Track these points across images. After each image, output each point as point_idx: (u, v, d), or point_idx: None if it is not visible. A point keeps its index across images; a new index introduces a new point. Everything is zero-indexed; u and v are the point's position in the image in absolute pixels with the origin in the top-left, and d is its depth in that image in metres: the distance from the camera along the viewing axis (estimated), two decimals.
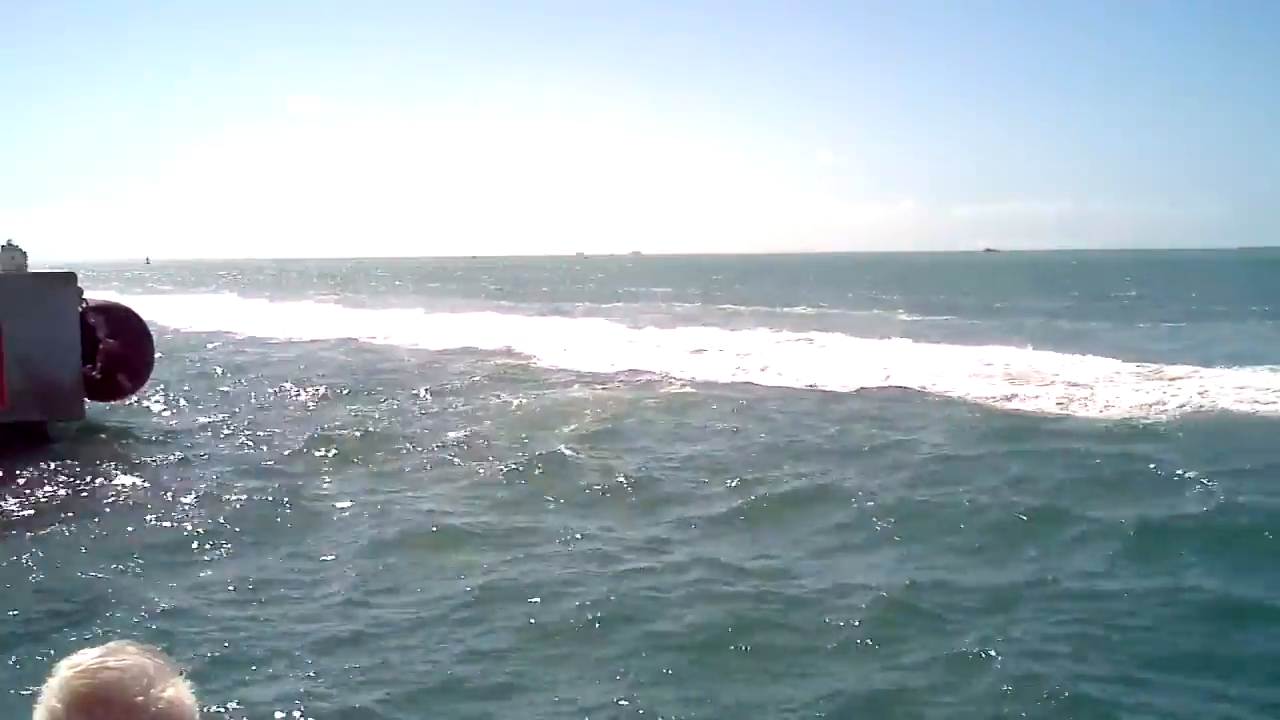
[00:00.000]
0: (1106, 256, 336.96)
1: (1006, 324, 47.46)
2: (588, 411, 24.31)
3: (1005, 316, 54.11)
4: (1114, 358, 30.18)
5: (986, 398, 25.03)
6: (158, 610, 11.36)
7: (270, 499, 16.32)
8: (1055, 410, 23.36)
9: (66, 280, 22.59)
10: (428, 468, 18.79)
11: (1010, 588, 11.83)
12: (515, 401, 26.24)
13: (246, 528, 14.82)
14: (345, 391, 28.56)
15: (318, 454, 19.84)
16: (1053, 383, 26.54)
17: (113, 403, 24.66)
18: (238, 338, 47.87)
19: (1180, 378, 26.36)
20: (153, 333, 25.59)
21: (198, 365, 35.49)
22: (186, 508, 15.96)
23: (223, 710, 8.84)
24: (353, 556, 13.36)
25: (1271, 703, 9.07)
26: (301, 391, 28.68)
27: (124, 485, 17.62)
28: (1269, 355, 29.90)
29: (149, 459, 19.86)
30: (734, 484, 16.78)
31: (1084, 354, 31.20)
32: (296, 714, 8.85)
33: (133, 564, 13.19)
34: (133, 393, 24.89)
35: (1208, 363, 28.92)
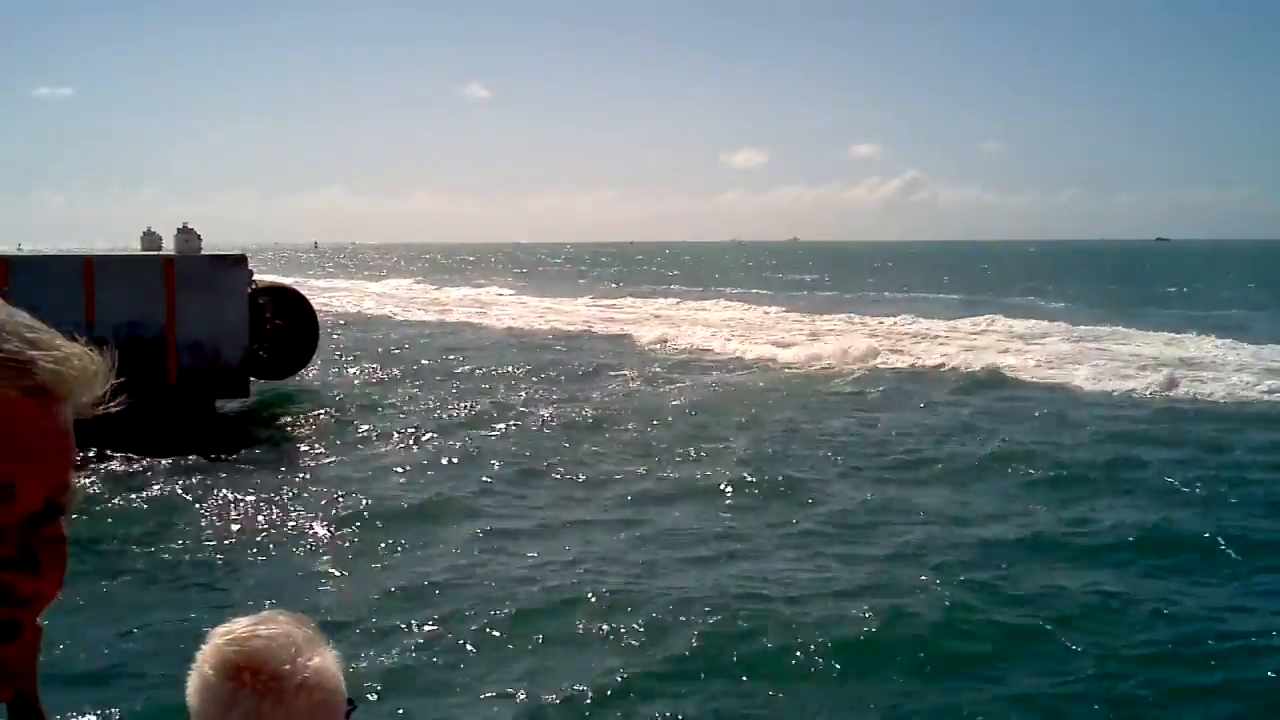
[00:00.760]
0: None
1: None
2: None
3: None
4: None
5: None
6: (296, 580, 11.27)
7: (437, 488, 16.16)
8: None
9: (237, 262, 23.04)
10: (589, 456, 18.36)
11: None
12: (702, 382, 25.67)
13: (405, 509, 14.63)
14: (508, 378, 28.53)
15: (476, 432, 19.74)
16: None
17: (278, 381, 25.14)
18: (400, 319, 48.86)
19: None
20: (318, 314, 25.99)
21: (367, 347, 36.14)
22: (335, 484, 16.01)
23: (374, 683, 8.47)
24: (490, 543, 12.99)
25: None
26: (469, 375, 28.79)
27: (284, 462, 17.78)
28: None
29: (310, 437, 20.05)
30: None
31: None
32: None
33: (284, 537, 13.15)
34: (298, 372, 25.34)
35: None
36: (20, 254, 30.16)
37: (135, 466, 17.33)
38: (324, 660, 1.63)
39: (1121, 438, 19.25)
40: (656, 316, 49.02)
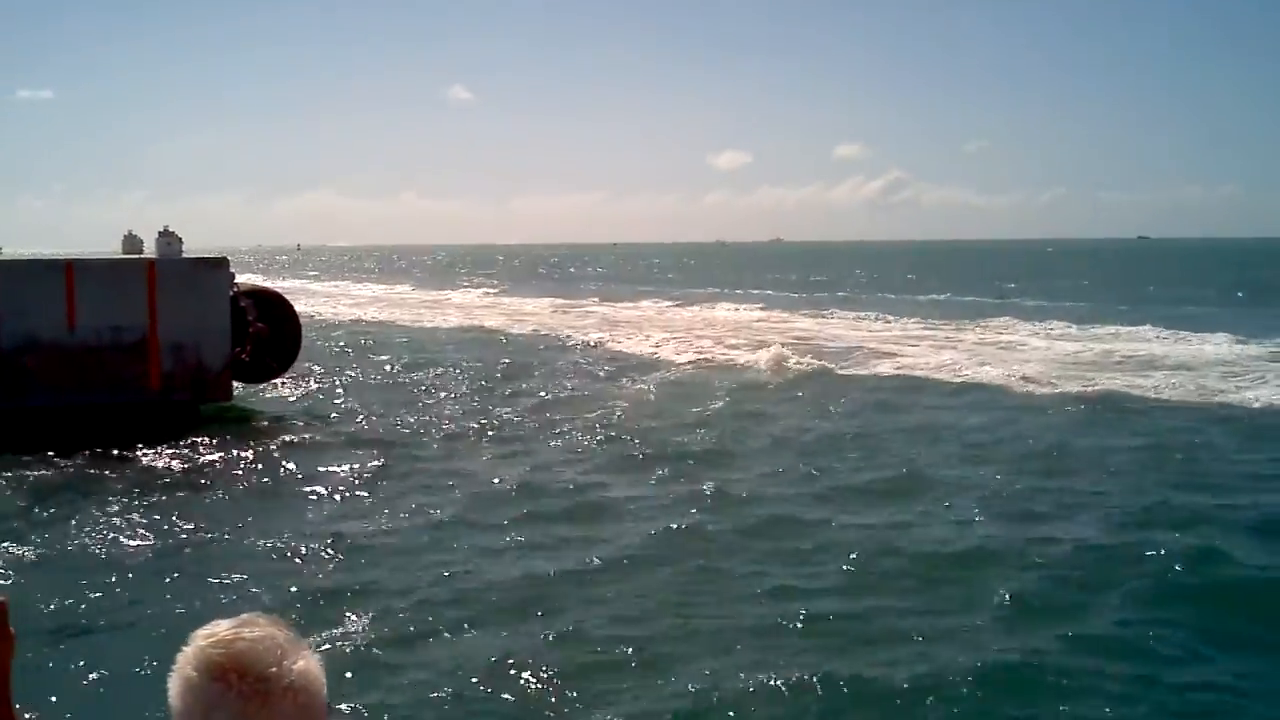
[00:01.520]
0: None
1: None
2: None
3: None
4: None
5: None
6: (274, 584, 11.33)
7: (405, 479, 16.31)
8: None
9: (218, 265, 23.05)
10: (551, 447, 18.49)
11: None
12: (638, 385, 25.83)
13: (379, 506, 14.72)
14: (495, 379, 28.63)
15: (457, 434, 19.85)
16: None
17: (261, 385, 25.16)
18: (387, 323, 48.89)
19: None
20: (300, 317, 26.01)
21: (345, 349, 36.18)
22: (321, 485, 16.09)
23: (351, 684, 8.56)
24: (469, 521, 13.10)
25: None
26: (454, 377, 28.88)
27: (266, 465, 17.83)
28: None
29: (292, 440, 20.10)
30: None
31: None
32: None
33: (265, 541, 13.22)
34: (280, 375, 25.35)
35: None
36: (1, 258, 30.11)
37: (117, 469, 17.35)
38: (308, 663, 1.63)
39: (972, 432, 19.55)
40: (626, 321, 49.46)
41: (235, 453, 18.75)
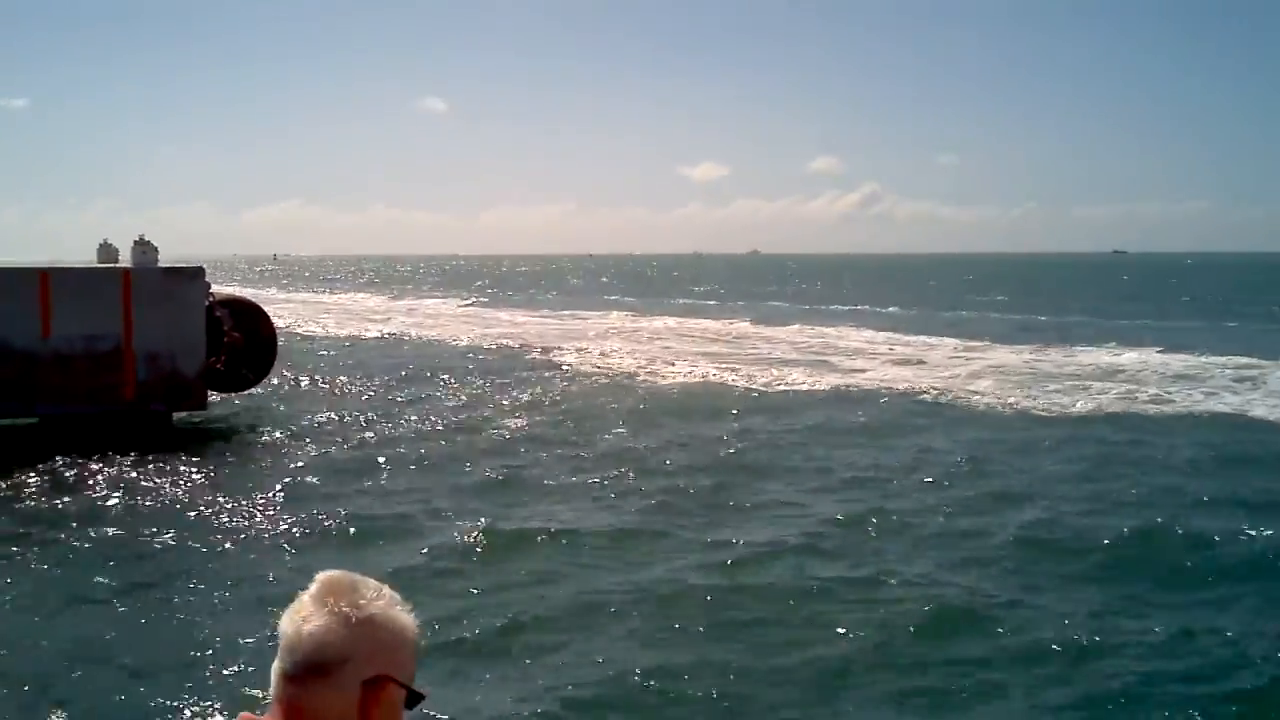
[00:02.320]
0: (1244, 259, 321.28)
1: None
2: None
3: None
4: None
5: None
6: (254, 594, 11.38)
7: (380, 493, 16.36)
8: None
9: (194, 275, 23.06)
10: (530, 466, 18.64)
11: None
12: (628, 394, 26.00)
13: (348, 521, 14.81)
14: (470, 389, 28.73)
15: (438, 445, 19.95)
16: None
17: (236, 394, 25.16)
18: (362, 334, 48.87)
19: None
20: (276, 326, 26.02)
21: (322, 359, 36.17)
22: (296, 494, 16.18)
23: None
24: (446, 530, 13.22)
25: None
26: (440, 387, 28.96)
27: (242, 475, 17.87)
28: None
29: (267, 449, 20.15)
30: None
31: None
32: None
33: (242, 550, 13.30)
34: (256, 384, 25.36)
35: None
36: None
37: (91, 479, 17.34)
38: (389, 609, 1.95)
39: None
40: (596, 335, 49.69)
41: (210, 463, 18.77)
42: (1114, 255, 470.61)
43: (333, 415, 23.97)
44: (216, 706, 8.87)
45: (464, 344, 42.83)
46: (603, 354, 37.95)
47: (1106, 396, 26.03)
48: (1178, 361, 32.68)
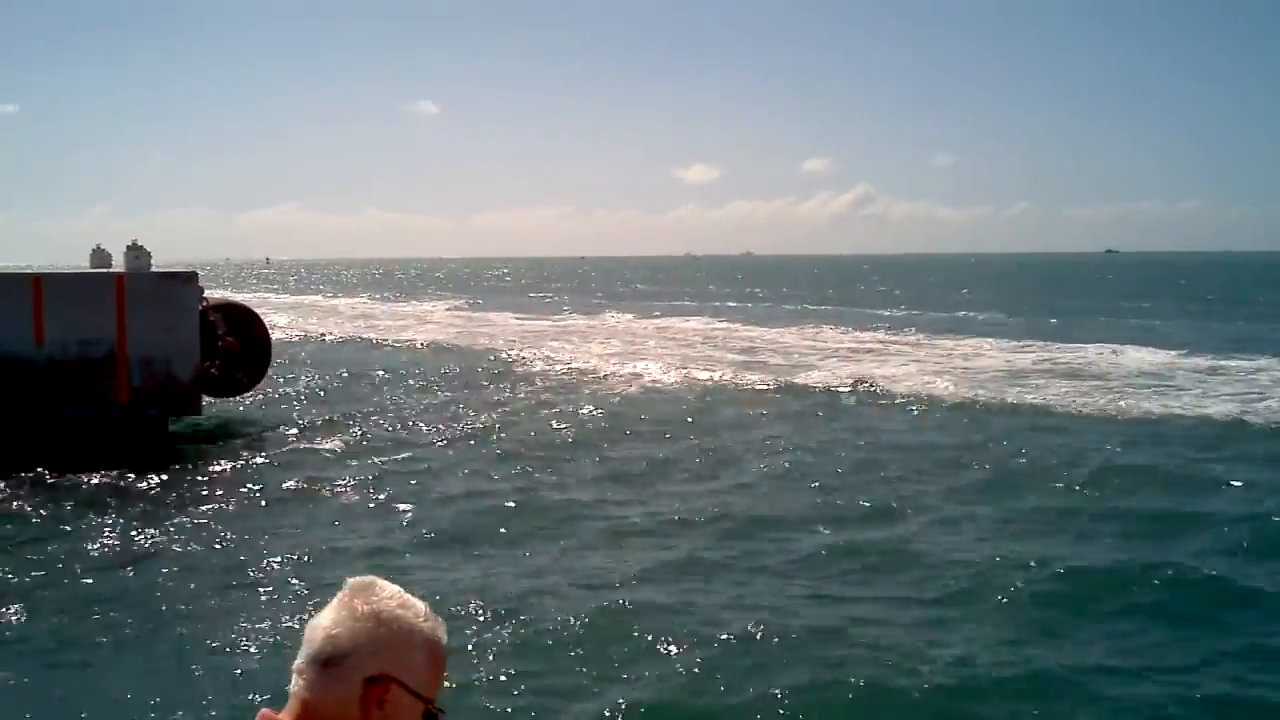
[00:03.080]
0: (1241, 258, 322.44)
1: None
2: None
3: None
4: None
5: None
6: (247, 602, 11.39)
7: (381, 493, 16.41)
8: None
9: (187, 279, 23.00)
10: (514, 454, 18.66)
11: None
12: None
13: (344, 526, 14.81)
14: (465, 397, 28.72)
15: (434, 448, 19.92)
16: None
17: (230, 398, 25.12)
18: (358, 338, 48.81)
19: None
20: (270, 331, 25.99)
21: (314, 364, 36.10)
22: (290, 498, 16.21)
23: None
24: (446, 533, 13.23)
25: None
26: (426, 390, 28.97)
27: (236, 480, 17.85)
28: None
29: (261, 453, 20.12)
30: None
31: None
32: None
33: (237, 558, 13.28)
34: (250, 389, 25.32)
35: None
36: None
37: (85, 485, 17.31)
38: (398, 610, 1.95)
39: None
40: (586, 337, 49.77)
41: (204, 467, 18.74)
42: (1106, 255, 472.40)
43: (327, 419, 23.94)
44: (215, 709, 8.87)
45: (451, 346, 42.77)
46: (586, 355, 38.01)
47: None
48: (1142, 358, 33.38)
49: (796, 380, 29.80)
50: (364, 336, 49.09)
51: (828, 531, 14.31)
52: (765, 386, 29.00)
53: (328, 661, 1.90)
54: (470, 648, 9.91)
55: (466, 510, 15.70)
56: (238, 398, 25.38)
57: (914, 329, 47.46)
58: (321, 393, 28.67)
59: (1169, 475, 17.28)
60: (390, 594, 1.99)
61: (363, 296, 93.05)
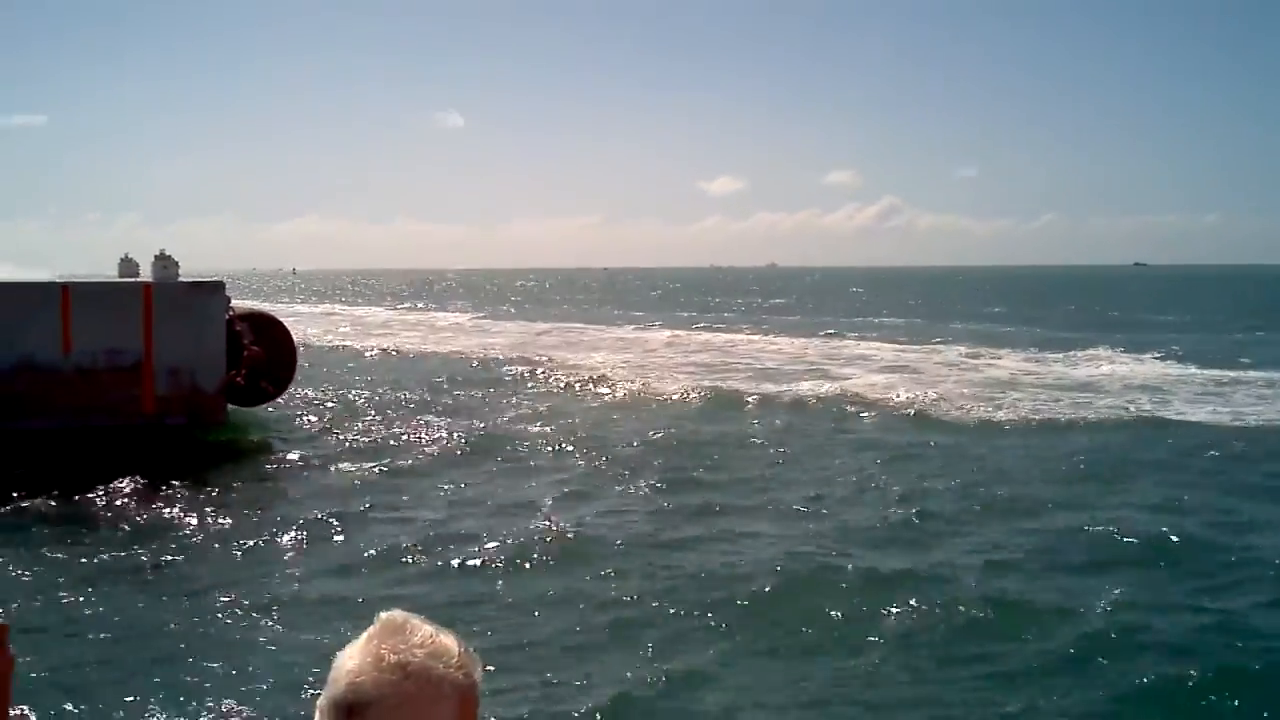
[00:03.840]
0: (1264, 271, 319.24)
1: None
2: None
3: None
4: None
5: None
6: (273, 611, 11.33)
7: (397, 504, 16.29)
8: None
9: (214, 289, 23.09)
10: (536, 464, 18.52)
11: None
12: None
13: (366, 538, 14.73)
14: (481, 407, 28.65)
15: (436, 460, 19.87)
16: None
17: (256, 407, 25.11)
18: (383, 348, 48.95)
19: None
20: (296, 340, 26.00)
21: (339, 373, 36.17)
22: (316, 507, 16.15)
23: None
24: (476, 540, 13.11)
25: None
26: (438, 401, 28.93)
27: (259, 490, 17.84)
28: None
29: (285, 465, 20.09)
30: None
31: None
32: None
33: (263, 565, 13.23)
34: (275, 398, 25.31)
35: None
36: None
37: (112, 494, 17.31)
38: (437, 666, 1.80)
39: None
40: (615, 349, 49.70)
41: (227, 477, 18.73)
42: (1135, 268, 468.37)
43: (352, 428, 23.91)
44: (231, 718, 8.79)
45: (476, 356, 42.78)
46: (613, 366, 37.90)
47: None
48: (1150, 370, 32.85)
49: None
50: (389, 347, 49.17)
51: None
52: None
53: (350, 710, 1.80)
54: (501, 672, 9.77)
55: (498, 528, 15.50)
56: (263, 406, 25.36)
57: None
58: (346, 402, 28.64)
59: None
60: (420, 639, 1.84)
61: (389, 306, 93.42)
